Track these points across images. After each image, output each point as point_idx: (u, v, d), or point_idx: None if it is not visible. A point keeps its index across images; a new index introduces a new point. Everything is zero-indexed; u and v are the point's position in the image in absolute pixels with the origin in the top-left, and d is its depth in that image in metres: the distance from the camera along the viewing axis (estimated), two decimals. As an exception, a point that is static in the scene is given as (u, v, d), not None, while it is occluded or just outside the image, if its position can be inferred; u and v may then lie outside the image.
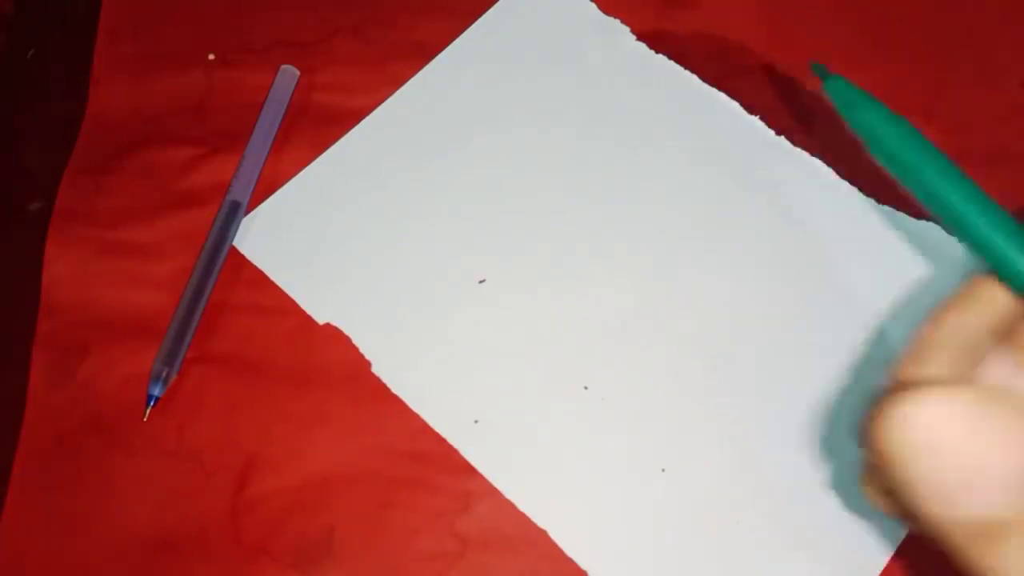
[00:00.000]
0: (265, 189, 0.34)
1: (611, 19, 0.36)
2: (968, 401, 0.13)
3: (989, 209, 0.17)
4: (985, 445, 0.13)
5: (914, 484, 0.13)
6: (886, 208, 0.33)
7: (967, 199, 0.17)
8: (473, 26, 0.36)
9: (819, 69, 0.20)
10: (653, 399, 0.30)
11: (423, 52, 0.36)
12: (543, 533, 0.28)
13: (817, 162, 0.33)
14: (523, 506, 0.28)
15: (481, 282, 0.32)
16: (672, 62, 0.35)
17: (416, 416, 0.30)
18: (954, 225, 0.17)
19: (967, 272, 0.31)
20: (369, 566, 0.28)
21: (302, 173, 0.34)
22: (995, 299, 0.16)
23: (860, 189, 0.33)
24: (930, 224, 0.32)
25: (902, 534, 0.28)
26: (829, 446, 0.29)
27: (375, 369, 0.30)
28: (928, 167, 0.17)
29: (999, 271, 0.17)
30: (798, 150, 0.34)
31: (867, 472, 0.16)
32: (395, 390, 0.30)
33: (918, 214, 0.32)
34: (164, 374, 0.30)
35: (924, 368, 0.16)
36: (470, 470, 0.29)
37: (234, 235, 0.32)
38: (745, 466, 0.29)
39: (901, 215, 0.32)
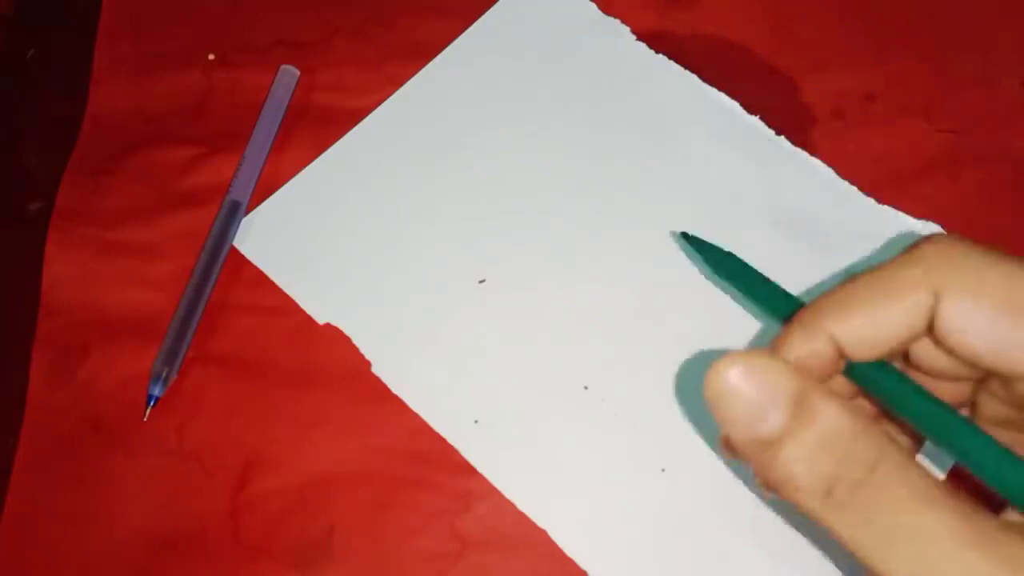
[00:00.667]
0: (265, 189, 0.34)
1: (611, 19, 0.36)
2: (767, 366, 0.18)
3: (772, 290, 0.25)
4: (758, 389, 0.19)
5: (724, 421, 0.19)
6: (886, 208, 0.33)
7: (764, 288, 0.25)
8: (473, 26, 0.36)
9: (684, 235, 0.27)
10: (653, 399, 0.30)
11: (423, 52, 0.36)
12: (543, 533, 0.28)
13: (817, 162, 0.33)
14: (523, 506, 0.28)
15: (481, 282, 0.32)
16: (672, 62, 0.35)
17: (416, 416, 0.30)
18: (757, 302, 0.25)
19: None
20: (369, 566, 0.28)
21: (302, 173, 0.34)
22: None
23: (860, 189, 0.33)
24: (930, 224, 0.32)
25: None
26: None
27: (375, 369, 0.30)
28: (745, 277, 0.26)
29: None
30: (798, 150, 0.34)
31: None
32: (395, 390, 0.30)
33: (918, 214, 0.32)
34: (164, 374, 0.30)
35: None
36: (470, 470, 0.29)
37: (234, 235, 0.32)
38: (744, 466, 0.29)
39: (901, 215, 0.32)
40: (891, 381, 0.20)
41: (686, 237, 0.27)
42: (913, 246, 0.20)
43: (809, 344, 0.20)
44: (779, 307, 0.24)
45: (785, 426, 0.18)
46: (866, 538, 0.17)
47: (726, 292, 0.31)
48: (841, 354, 0.20)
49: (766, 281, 0.25)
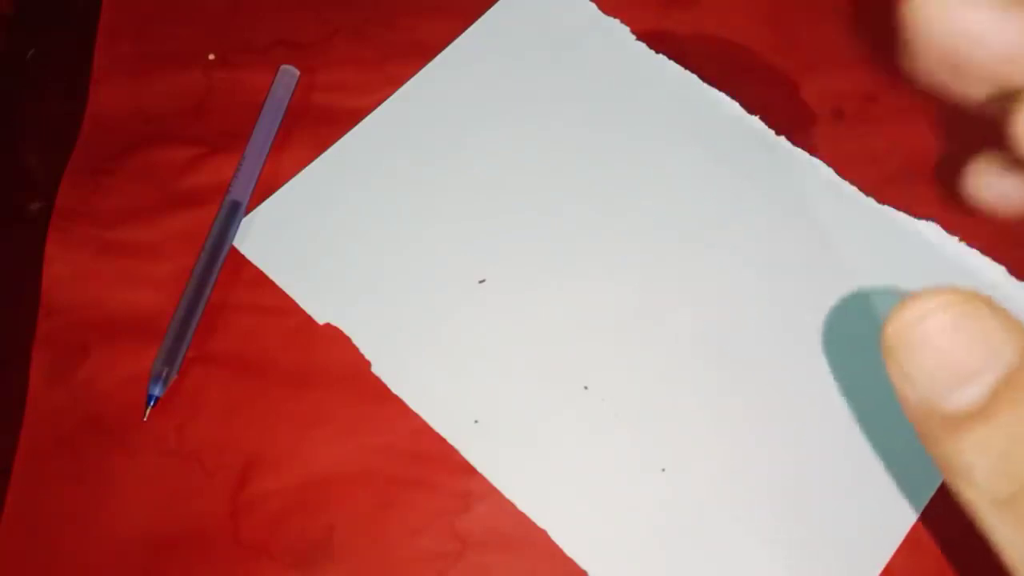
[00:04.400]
0: (265, 189, 0.34)
1: (611, 19, 0.36)
2: (959, 306, 0.15)
3: None
4: (967, 349, 0.14)
5: (903, 375, 0.15)
6: (886, 208, 0.33)
7: None
8: (473, 26, 0.37)
9: None
10: (653, 399, 0.30)
11: (423, 52, 0.36)
12: (543, 533, 0.28)
13: (817, 162, 0.33)
14: (523, 506, 0.28)
15: (481, 282, 0.32)
16: (672, 62, 0.35)
17: (416, 416, 0.30)
18: None
19: (967, 270, 0.31)
20: (369, 566, 0.28)
21: (302, 173, 0.34)
22: None
23: (860, 189, 0.33)
24: (930, 224, 0.32)
25: (903, 534, 0.28)
26: (831, 446, 0.29)
27: (375, 369, 0.30)
28: None
29: None
30: (798, 150, 0.34)
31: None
32: (395, 390, 0.30)
33: (918, 214, 0.32)
34: (164, 374, 0.30)
35: None
36: (470, 470, 0.29)
37: (234, 235, 0.32)
38: (745, 466, 0.29)
39: (901, 215, 0.32)
40: None
41: None
42: None
43: None
44: None
45: (983, 404, 0.14)
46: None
47: None
48: None
49: None
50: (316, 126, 0.35)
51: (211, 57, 0.36)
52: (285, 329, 0.31)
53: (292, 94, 0.35)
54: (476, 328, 0.31)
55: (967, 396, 0.14)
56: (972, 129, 0.20)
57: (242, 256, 0.32)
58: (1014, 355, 0.14)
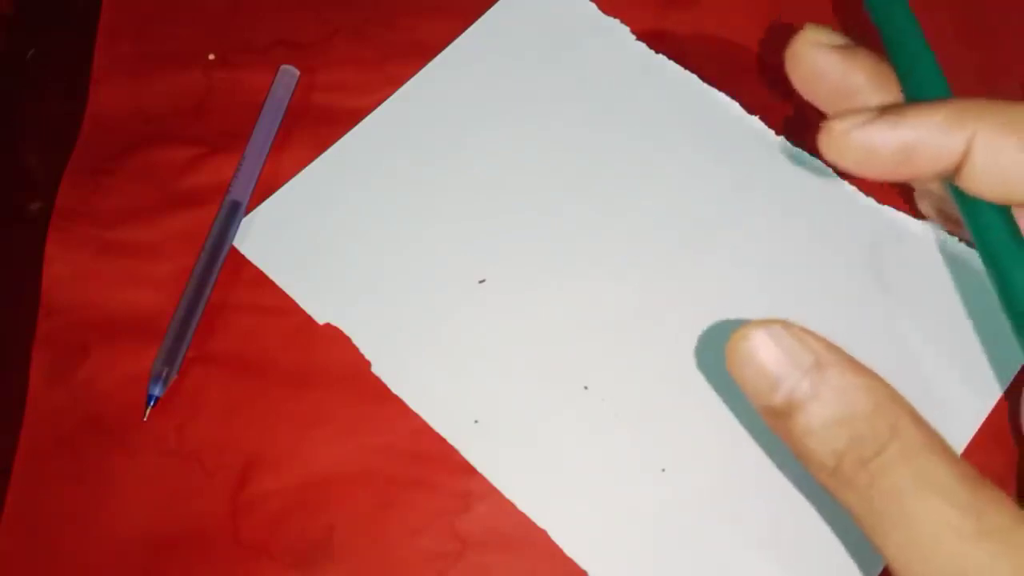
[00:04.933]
0: (265, 189, 0.34)
1: (611, 19, 0.36)
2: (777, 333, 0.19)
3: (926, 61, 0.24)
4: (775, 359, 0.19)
5: (739, 385, 0.20)
6: (886, 208, 0.33)
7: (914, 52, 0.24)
8: (473, 26, 0.37)
9: None
10: (653, 399, 0.30)
11: (423, 52, 0.36)
12: (543, 533, 0.28)
13: (817, 162, 0.33)
14: (523, 506, 0.28)
15: (481, 282, 0.32)
16: (672, 62, 0.35)
17: (416, 416, 0.30)
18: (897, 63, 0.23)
19: (966, 271, 0.31)
20: (369, 566, 0.28)
21: (302, 173, 0.34)
22: None
23: (860, 189, 0.33)
24: (930, 224, 0.32)
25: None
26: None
27: (375, 369, 0.30)
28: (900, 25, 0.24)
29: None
30: (798, 150, 0.34)
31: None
32: (395, 390, 0.30)
33: (918, 214, 0.32)
34: (164, 374, 0.30)
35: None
36: (470, 470, 0.29)
37: (234, 235, 0.32)
38: (745, 466, 0.29)
39: (901, 215, 0.32)
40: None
41: None
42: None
43: (942, 135, 0.20)
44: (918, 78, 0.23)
45: (799, 398, 0.18)
46: (868, 517, 0.18)
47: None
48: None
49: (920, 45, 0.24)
50: (316, 126, 0.35)
51: (211, 57, 0.36)
52: (285, 329, 0.31)
53: (292, 94, 0.35)
54: (476, 328, 0.31)
55: (783, 393, 0.19)
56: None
57: (242, 256, 0.32)
58: (808, 353, 0.19)
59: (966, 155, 0.20)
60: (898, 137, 0.20)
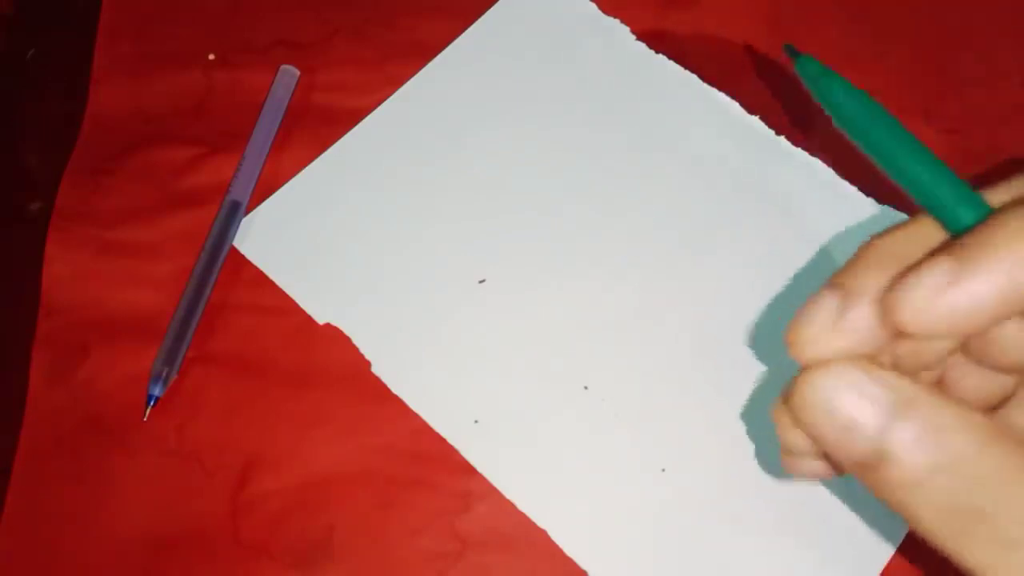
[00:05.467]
0: (265, 189, 0.34)
1: (611, 19, 0.36)
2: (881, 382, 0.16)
3: (928, 159, 0.19)
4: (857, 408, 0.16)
5: (812, 435, 0.16)
6: (886, 208, 0.33)
7: (912, 151, 0.19)
8: (473, 26, 0.36)
9: (789, 49, 0.21)
10: (653, 399, 0.30)
11: (423, 52, 0.36)
12: (543, 533, 0.28)
13: (817, 162, 0.33)
14: (523, 506, 0.28)
15: (481, 282, 0.32)
16: (672, 62, 0.35)
17: (416, 416, 0.30)
18: (898, 175, 0.19)
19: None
20: (369, 566, 0.28)
21: (302, 173, 0.34)
22: (933, 230, 0.18)
23: (860, 189, 0.33)
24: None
25: (902, 534, 0.28)
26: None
27: (375, 369, 0.30)
28: (879, 128, 0.20)
29: (938, 215, 0.18)
30: (798, 150, 0.34)
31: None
32: (395, 390, 0.30)
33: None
34: (164, 374, 0.30)
35: (857, 279, 0.17)
36: (470, 470, 0.29)
37: (234, 235, 0.32)
38: (745, 466, 0.29)
39: (901, 215, 0.32)
40: None
41: (794, 55, 0.21)
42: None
43: (1020, 268, 0.15)
44: (940, 194, 0.18)
45: (889, 446, 0.15)
46: (1000, 570, 0.15)
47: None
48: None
49: (919, 153, 0.19)
50: (316, 126, 0.35)
51: (211, 57, 0.36)
52: (285, 329, 0.31)
53: (292, 94, 0.35)
54: (476, 328, 0.31)
55: (873, 442, 0.15)
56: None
57: (242, 256, 0.32)
58: (893, 401, 0.15)
59: None
60: (993, 284, 0.15)
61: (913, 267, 0.16)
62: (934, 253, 0.16)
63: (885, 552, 0.28)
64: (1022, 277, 0.15)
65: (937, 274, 0.16)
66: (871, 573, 0.28)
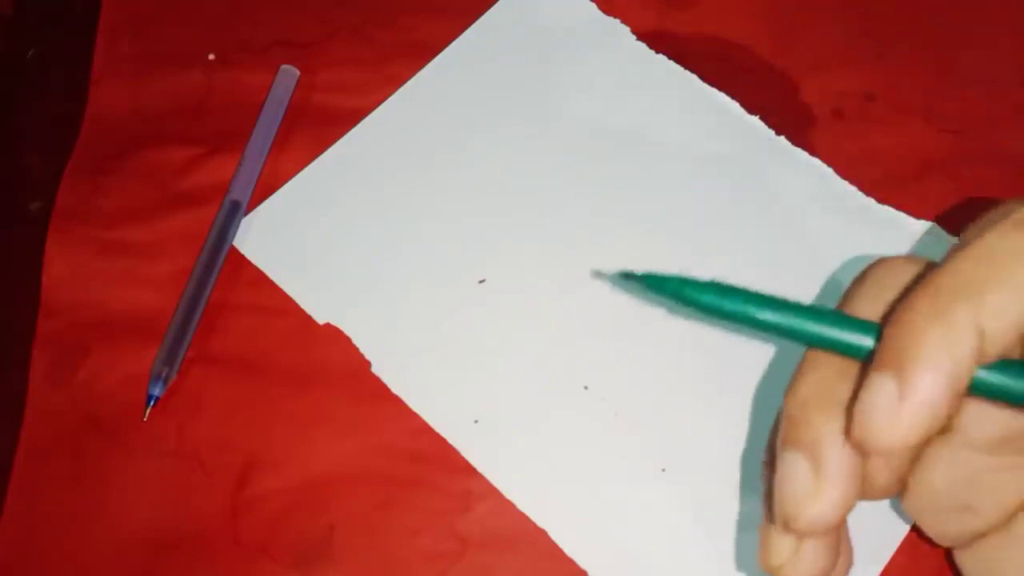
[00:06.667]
0: (265, 189, 0.34)
1: (611, 19, 0.36)
2: None
3: (808, 309, 0.18)
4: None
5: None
6: (886, 208, 0.33)
7: (790, 311, 0.18)
8: (473, 26, 0.37)
9: (625, 275, 0.20)
10: (653, 399, 0.30)
11: (423, 52, 0.36)
12: (543, 533, 0.28)
13: (817, 162, 0.33)
14: (523, 506, 0.28)
15: (481, 282, 0.32)
16: (672, 62, 0.35)
17: (416, 416, 0.30)
18: (790, 335, 0.18)
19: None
20: (369, 566, 0.28)
21: (302, 173, 0.34)
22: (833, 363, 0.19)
23: (860, 189, 0.33)
24: (929, 224, 0.32)
25: (903, 534, 0.28)
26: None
27: (375, 369, 0.30)
28: (747, 303, 0.18)
29: (842, 350, 0.18)
30: (798, 150, 0.34)
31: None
32: (395, 390, 0.30)
33: (918, 214, 0.32)
34: (164, 374, 0.30)
35: (805, 435, 0.17)
36: (470, 470, 0.29)
37: (234, 235, 0.32)
38: (745, 466, 0.29)
39: (901, 215, 0.32)
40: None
41: (634, 278, 0.20)
42: (1000, 214, 0.16)
43: (958, 340, 0.15)
44: (829, 334, 0.18)
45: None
46: None
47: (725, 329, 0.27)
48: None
49: (793, 307, 0.19)
50: (316, 126, 0.35)
51: (211, 57, 0.36)
52: (285, 329, 0.31)
53: (292, 94, 0.35)
54: (476, 328, 0.31)
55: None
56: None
57: (242, 256, 0.32)
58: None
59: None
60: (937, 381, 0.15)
61: (854, 399, 0.16)
62: (865, 374, 0.16)
63: (885, 552, 0.28)
64: (958, 357, 0.15)
65: (885, 393, 0.16)
66: (871, 573, 0.28)
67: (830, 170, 0.33)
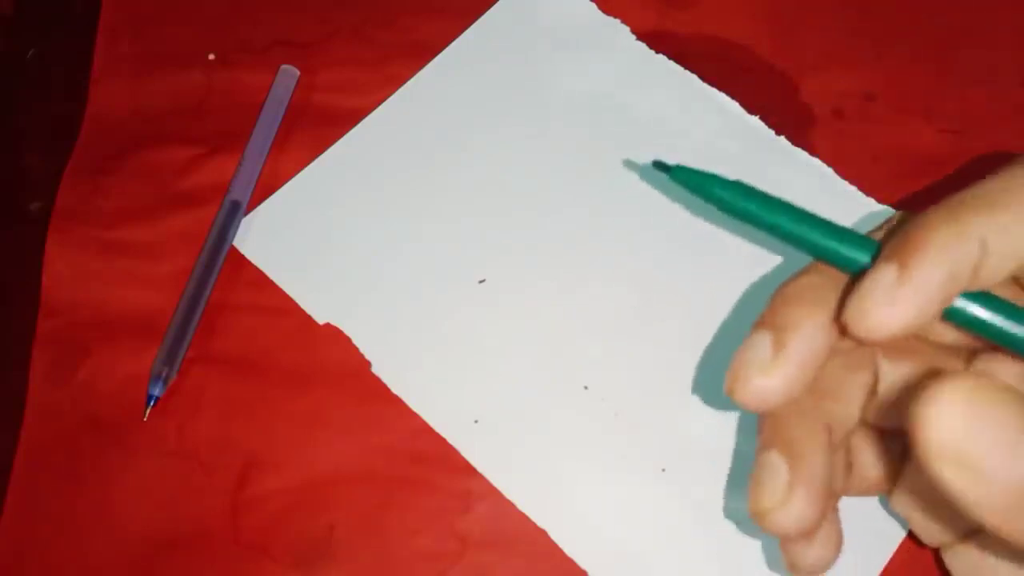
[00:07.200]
0: (265, 189, 0.34)
1: (611, 19, 0.36)
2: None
3: (816, 219, 0.20)
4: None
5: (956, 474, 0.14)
6: (886, 208, 0.33)
7: (801, 217, 0.20)
8: (473, 26, 0.37)
9: (659, 165, 0.22)
10: (653, 399, 0.30)
11: (423, 52, 0.36)
12: (543, 533, 0.28)
13: (817, 162, 0.33)
14: (523, 506, 0.28)
15: (481, 282, 0.32)
16: (672, 62, 0.35)
17: (416, 416, 0.30)
18: (793, 240, 0.20)
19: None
20: (369, 566, 0.28)
21: (302, 173, 0.34)
22: (828, 274, 0.20)
23: (860, 189, 0.33)
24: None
25: (902, 534, 0.28)
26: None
27: (375, 369, 0.30)
28: (764, 206, 0.20)
29: (837, 261, 0.20)
30: (798, 150, 0.34)
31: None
32: (395, 390, 0.30)
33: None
34: (164, 374, 0.30)
35: (781, 317, 0.19)
36: (470, 470, 0.29)
37: (234, 235, 0.32)
38: (745, 466, 0.29)
39: (901, 215, 0.32)
40: (1010, 311, 0.17)
41: (665, 169, 0.22)
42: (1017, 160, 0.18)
43: (964, 244, 0.16)
44: (836, 245, 0.19)
45: None
46: None
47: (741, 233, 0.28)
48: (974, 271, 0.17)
49: (807, 216, 0.20)
50: (316, 126, 0.35)
51: (211, 57, 0.36)
52: (285, 329, 0.31)
53: (292, 94, 0.35)
54: (476, 328, 0.31)
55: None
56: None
57: (242, 256, 0.32)
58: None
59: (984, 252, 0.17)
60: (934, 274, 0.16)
61: (855, 283, 0.17)
62: (873, 265, 0.17)
63: (885, 552, 0.28)
64: (959, 258, 0.16)
65: (885, 276, 0.16)
66: (871, 573, 0.28)
67: (830, 170, 0.33)
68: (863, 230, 0.32)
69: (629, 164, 0.34)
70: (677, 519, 0.28)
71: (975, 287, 0.17)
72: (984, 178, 0.18)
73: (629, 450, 0.29)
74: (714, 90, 0.35)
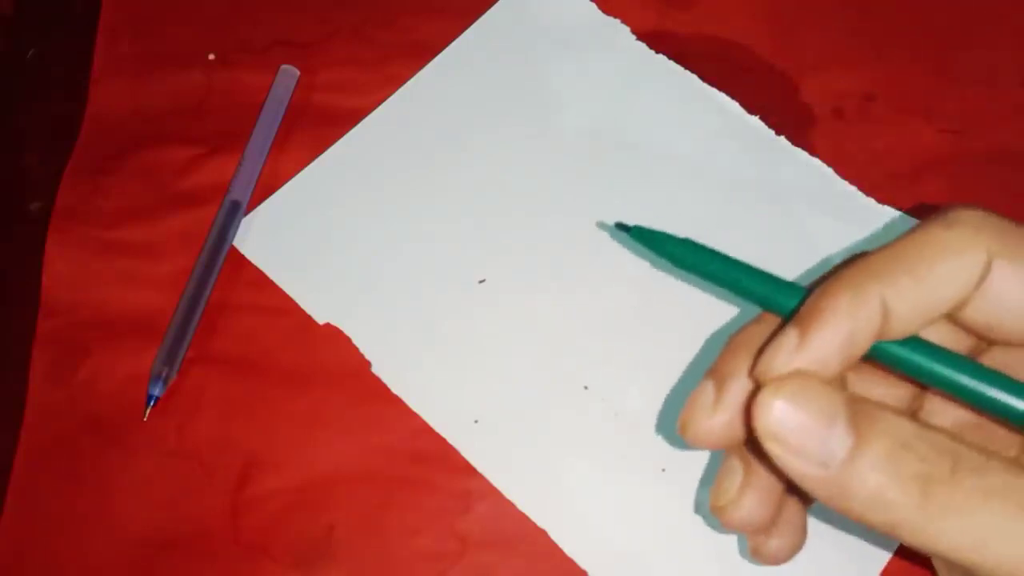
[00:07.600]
0: (265, 189, 0.34)
1: (611, 19, 0.36)
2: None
3: (754, 271, 0.22)
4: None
5: (779, 452, 0.18)
6: (886, 208, 0.33)
7: (741, 270, 0.22)
8: (473, 26, 0.36)
9: (619, 226, 0.24)
10: (653, 399, 0.30)
11: (423, 52, 0.36)
12: (543, 533, 0.28)
13: (817, 162, 0.33)
14: (523, 506, 0.28)
15: (481, 282, 0.32)
16: (672, 62, 0.35)
17: (416, 416, 0.30)
18: (737, 290, 0.22)
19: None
20: (369, 566, 0.28)
21: (302, 173, 0.34)
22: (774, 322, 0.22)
23: (860, 189, 0.33)
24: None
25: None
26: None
27: (375, 369, 0.30)
28: (711, 261, 0.22)
29: (772, 308, 0.22)
30: (798, 150, 0.34)
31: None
32: (395, 390, 0.30)
33: (918, 214, 0.32)
34: (164, 374, 0.30)
35: (727, 366, 0.21)
36: (470, 470, 0.29)
37: (234, 235, 0.32)
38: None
39: (901, 215, 0.32)
40: (930, 355, 0.19)
41: (625, 229, 0.23)
42: (941, 213, 0.19)
43: (861, 310, 0.18)
44: (769, 293, 0.22)
45: (855, 441, 0.17)
46: (969, 539, 0.16)
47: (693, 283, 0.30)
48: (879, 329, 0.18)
49: (745, 268, 0.22)
50: (316, 126, 0.35)
51: (211, 57, 0.36)
52: (285, 329, 0.31)
53: (292, 94, 0.35)
54: (476, 328, 0.31)
55: (838, 441, 0.17)
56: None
57: (242, 256, 0.32)
58: (841, 396, 0.17)
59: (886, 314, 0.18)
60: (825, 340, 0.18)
61: (768, 343, 0.19)
62: (777, 330, 0.19)
63: (885, 552, 0.28)
64: (856, 325, 0.18)
65: (788, 341, 0.18)
66: (871, 573, 0.28)
67: (830, 170, 0.33)
68: (863, 230, 0.32)
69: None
70: (677, 519, 0.28)
71: (889, 339, 0.19)
72: (895, 238, 0.19)
73: (629, 450, 0.29)
74: (714, 90, 0.35)
